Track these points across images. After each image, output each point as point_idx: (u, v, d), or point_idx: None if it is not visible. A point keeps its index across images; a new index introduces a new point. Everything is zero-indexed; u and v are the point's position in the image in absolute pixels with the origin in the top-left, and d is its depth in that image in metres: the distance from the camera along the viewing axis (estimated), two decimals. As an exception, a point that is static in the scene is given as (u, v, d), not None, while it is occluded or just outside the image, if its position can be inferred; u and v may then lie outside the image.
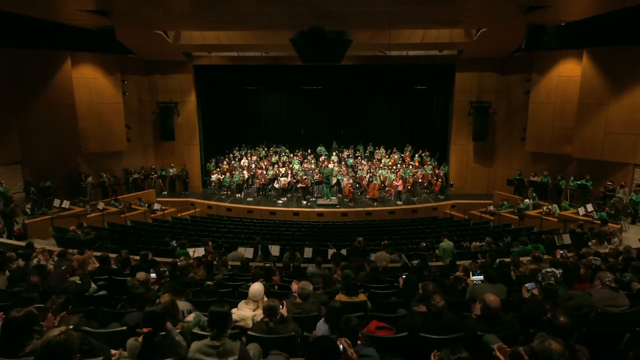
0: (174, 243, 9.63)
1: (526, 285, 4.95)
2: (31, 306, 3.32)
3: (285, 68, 17.54)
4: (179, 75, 17.27)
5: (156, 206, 15.38)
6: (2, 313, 3.44)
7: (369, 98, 20.77)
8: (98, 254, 7.49)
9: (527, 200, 14.12)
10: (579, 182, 13.96)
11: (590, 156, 13.78)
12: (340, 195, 16.35)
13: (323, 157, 18.58)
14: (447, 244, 9.03)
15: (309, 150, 19.36)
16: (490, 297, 3.72)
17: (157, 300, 3.89)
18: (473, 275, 5.52)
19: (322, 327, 3.73)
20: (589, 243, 8.81)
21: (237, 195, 16.60)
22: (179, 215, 15.35)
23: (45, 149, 13.57)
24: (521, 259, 7.23)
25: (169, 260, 7.80)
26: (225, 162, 18.04)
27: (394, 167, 17.02)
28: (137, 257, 7.45)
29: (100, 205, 13.66)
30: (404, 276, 5.83)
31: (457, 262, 7.08)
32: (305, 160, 18.35)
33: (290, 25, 11.58)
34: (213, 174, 17.19)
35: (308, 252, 8.93)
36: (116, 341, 3.46)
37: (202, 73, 17.60)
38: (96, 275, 6.26)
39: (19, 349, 2.78)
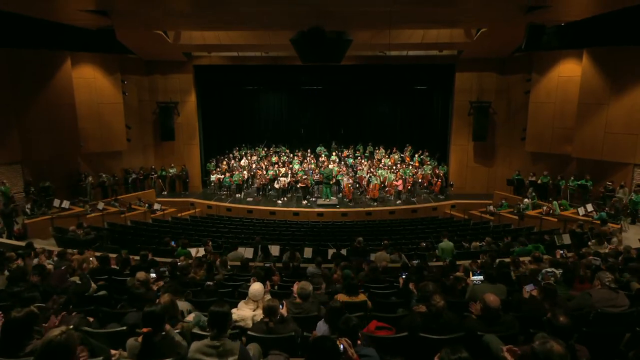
0: (173, 243, 9.63)
1: (525, 287, 4.95)
2: (32, 306, 3.33)
3: (285, 68, 17.54)
4: (179, 75, 17.27)
5: (156, 206, 15.39)
6: (1, 314, 3.44)
7: (369, 98, 20.77)
8: (98, 254, 7.49)
9: (526, 200, 14.13)
10: (579, 182, 13.96)
11: (590, 156, 13.78)
12: (340, 195, 16.35)
13: (323, 156, 18.59)
14: (446, 244, 9.02)
15: (308, 151, 19.36)
16: (490, 297, 3.72)
17: (157, 300, 3.89)
18: (473, 275, 5.52)
19: (322, 327, 3.73)
20: (589, 243, 8.81)
21: (237, 195, 16.60)
22: (179, 215, 15.35)
23: (45, 149, 13.57)
24: (521, 259, 7.23)
25: (169, 260, 7.80)
26: (224, 162, 18.05)
27: (394, 167, 17.02)
28: (137, 257, 7.45)
29: (100, 205, 13.66)
30: (404, 276, 5.83)
31: (457, 262, 7.07)
32: (305, 160, 18.35)
33: (290, 25, 11.58)
34: (213, 174, 17.19)
35: (308, 252, 8.92)
36: (116, 341, 3.46)
37: (202, 73, 17.60)
38: (96, 275, 6.26)
39: (19, 349, 2.78)
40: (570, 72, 14.28)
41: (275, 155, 19.23)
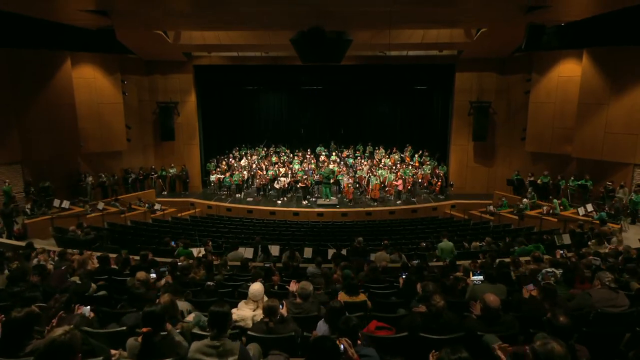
0: (173, 243, 9.63)
1: (526, 286, 4.95)
2: (33, 305, 3.33)
3: (285, 68, 17.55)
4: (179, 75, 17.27)
5: (156, 206, 15.39)
6: (2, 315, 3.44)
7: (369, 98, 20.76)
8: (98, 254, 7.49)
9: (525, 200, 14.14)
10: (579, 182, 13.97)
11: (590, 156, 13.78)
12: (340, 195, 16.35)
13: (323, 156, 18.59)
14: (446, 244, 9.01)
15: (308, 151, 19.36)
16: (490, 297, 3.72)
17: (157, 300, 3.89)
18: (473, 275, 5.52)
19: (322, 327, 3.74)
20: (589, 243, 8.81)
21: (237, 195, 16.60)
22: (179, 215, 15.35)
23: (45, 149, 13.57)
24: (521, 259, 7.23)
25: (169, 260, 7.80)
26: (224, 162, 18.05)
27: (394, 167, 17.02)
28: (137, 257, 7.45)
29: (100, 205, 13.66)
30: (404, 276, 5.83)
31: (457, 262, 7.07)
32: (305, 160, 18.35)
33: (290, 25, 11.58)
34: (213, 174, 17.19)
35: (308, 252, 8.93)
36: (116, 341, 3.46)
37: (202, 73, 17.60)
38: (96, 275, 6.26)
39: (20, 349, 2.78)
40: (570, 72, 14.28)
41: (275, 155, 19.24)
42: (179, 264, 6.67)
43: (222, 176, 16.81)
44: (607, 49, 12.87)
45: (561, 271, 5.37)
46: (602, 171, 13.66)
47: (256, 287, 4.35)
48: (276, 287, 5.98)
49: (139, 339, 3.13)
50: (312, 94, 20.65)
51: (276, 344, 3.53)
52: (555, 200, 13.34)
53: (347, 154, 19.28)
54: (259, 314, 4.05)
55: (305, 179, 15.95)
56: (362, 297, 4.88)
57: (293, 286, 4.93)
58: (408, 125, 20.73)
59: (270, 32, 14.07)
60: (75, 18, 10.39)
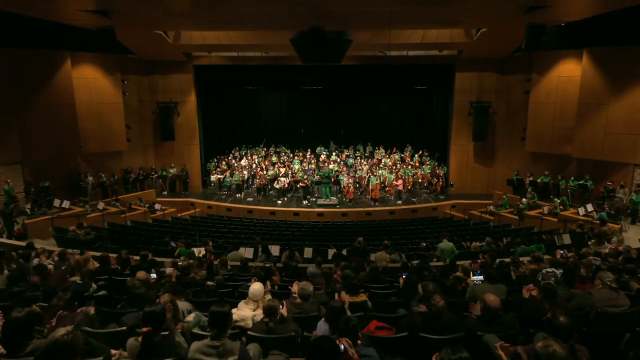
0: (173, 243, 9.63)
1: (525, 287, 4.95)
2: (34, 305, 3.33)
3: (285, 68, 17.55)
4: (179, 75, 17.28)
5: (156, 206, 15.39)
6: (1, 313, 3.45)
7: (369, 98, 20.77)
8: (98, 254, 7.49)
9: (524, 199, 14.16)
10: (579, 182, 13.97)
11: (590, 156, 13.78)
12: (340, 195, 16.36)
13: (323, 156, 18.59)
14: (445, 244, 9.01)
15: (308, 151, 19.37)
16: (490, 297, 3.72)
17: (157, 300, 3.89)
18: (473, 275, 5.52)
19: (322, 327, 3.74)
20: (589, 243, 8.81)
21: (237, 195, 16.60)
22: (179, 215, 15.35)
23: (45, 149, 13.57)
24: (521, 259, 7.24)
25: (169, 260, 7.80)
26: (224, 162, 18.05)
27: (394, 167, 17.02)
28: (137, 257, 7.45)
29: (100, 205, 13.66)
30: (404, 276, 5.83)
31: (457, 262, 7.07)
32: (305, 160, 18.35)
33: (290, 25, 11.58)
34: (213, 174, 17.20)
35: (308, 252, 8.93)
36: (116, 341, 3.46)
37: (202, 73, 17.60)
38: (96, 275, 6.26)
39: (20, 349, 2.78)
40: (570, 72, 14.28)
41: (275, 156, 19.24)
42: (179, 263, 6.66)
43: (222, 176, 16.81)
44: (607, 49, 12.87)
45: (561, 271, 5.38)
46: (602, 171, 13.66)
47: (256, 287, 4.35)
48: (276, 287, 5.99)
49: (139, 339, 3.13)
50: (312, 94, 20.66)
51: (276, 344, 3.53)
52: (556, 200, 13.35)
53: (347, 154, 19.29)
54: (259, 314, 4.05)
55: (306, 179, 15.96)
56: (362, 297, 4.88)
57: (295, 287, 4.93)
58: (408, 125, 20.74)
59: (270, 32, 14.07)
60: (75, 18, 10.39)
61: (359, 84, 19.67)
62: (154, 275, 5.77)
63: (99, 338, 3.46)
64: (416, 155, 18.50)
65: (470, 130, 17.10)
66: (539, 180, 15.00)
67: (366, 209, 15.31)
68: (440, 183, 16.58)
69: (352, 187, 15.98)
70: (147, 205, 15.27)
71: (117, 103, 16.04)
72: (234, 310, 4.05)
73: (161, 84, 17.32)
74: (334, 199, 15.98)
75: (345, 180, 16.10)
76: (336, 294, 4.87)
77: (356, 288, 4.90)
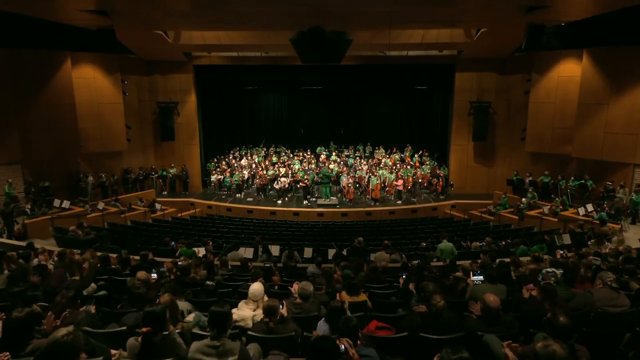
0: (173, 244, 9.63)
1: (525, 287, 4.95)
2: (35, 305, 3.33)
3: (285, 68, 17.55)
4: (179, 75, 17.28)
5: (157, 206, 15.39)
6: (2, 314, 3.45)
7: (369, 98, 20.77)
8: (98, 254, 7.49)
9: (524, 199, 14.16)
10: (579, 182, 13.97)
11: (590, 156, 13.78)
12: (340, 195, 16.35)
13: (323, 156, 18.59)
14: (445, 245, 9.00)
15: (308, 151, 19.37)
16: (490, 297, 3.72)
17: (157, 300, 3.89)
18: (473, 275, 5.52)
19: (322, 327, 3.73)
20: (588, 243, 8.82)
21: (237, 195, 16.61)
22: (179, 215, 15.35)
23: (45, 149, 13.57)
24: (521, 259, 7.24)
25: (169, 260, 7.79)
26: (224, 163, 18.05)
27: (394, 167, 17.03)
28: (137, 257, 7.45)
29: (100, 206, 13.67)
30: (404, 276, 5.83)
31: (457, 262, 7.07)
32: (305, 160, 18.35)
33: (290, 25, 11.58)
34: (213, 174, 17.20)
35: (308, 252, 8.93)
36: (116, 341, 3.46)
37: (202, 73, 17.60)
38: (96, 275, 6.25)
39: (20, 349, 2.78)
40: (570, 72, 14.28)
41: (275, 156, 19.24)
42: (179, 263, 6.66)
43: (222, 176, 16.81)
44: (607, 49, 12.87)
45: (561, 271, 5.37)
46: (602, 171, 13.66)
47: (256, 287, 4.35)
48: (276, 287, 5.99)
49: (139, 339, 3.13)
50: (312, 94, 20.66)
51: (276, 344, 3.52)
52: (557, 199, 13.36)
53: (347, 154, 19.29)
54: (259, 314, 4.05)
55: (306, 179, 15.96)
56: (362, 297, 4.88)
57: (295, 287, 4.93)
58: (408, 125, 20.73)
59: (270, 32, 14.07)
60: (75, 18, 10.39)
61: (359, 84, 19.67)
62: (154, 276, 5.77)
63: (99, 338, 3.46)
64: (416, 155, 18.50)
65: (470, 130, 17.10)
66: (539, 180, 15.01)
67: (366, 209, 15.31)
68: (441, 183, 16.58)
69: (352, 187, 15.98)
70: (147, 204, 15.24)
71: (117, 103, 16.04)
72: (234, 310, 4.05)
73: (161, 84, 17.32)
74: (334, 199, 15.98)
75: (345, 180, 16.10)
76: (337, 294, 4.87)
77: (356, 288, 4.90)
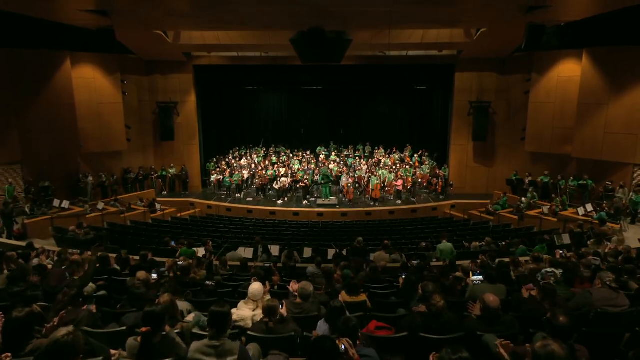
0: (173, 244, 9.62)
1: (525, 287, 4.95)
2: (35, 304, 3.33)
3: (285, 68, 17.55)
4: (179, 75, 17.28)
5: (156, 206, 15.38)
6: (1, 313, 3.45)
7: (369, 98, 20.77)
8: (99, 253, 7.48)
9: (524, 199, 14.15)
10: (579, 182, 13.97)
11: (590, 156, 13.78)
12: (340, 195, 16.36)
13: (323, 156, 18.59)
14: (445, 245, 8.98)
15: (308, 151, 19.36)
16: (490, 297, 3.72)
17: (157, 300, 3.89)
18: (473, 275, 5.52)
19: (322, 327, 3.74)
20: (588, 243, 8.82)
21: (237, 195, 16.60)
22: (179, 215, 15.35)
23: (45, 149, 13.57)
24: (521, 259, 7.24)
25: (169, 260, 7.78)
26: (224, 163, 18.06)
27: (394, 167, 17.02)
28: (137, 257, 7.45)
29: (100, 206, 13.67)
30: (403, 276, 5.83)
31: (457, 262, 7.07)
32: (304, 160, 18.35)
33: (290, 25, 11.58)
34: (213, 174, 17.20)
35: (308, 252, 8.93)
36: (116, 341, 3.46)
37: (202, 73, 17.60)
38: (96, 275, 6.25)
39: (20, 349, 2.78)
40: (570, 72, 14.28)
41: (275, 156, 19.24)
42: (179, 263, 6.66)
43: (222, 176, 16.81)
44: (607, 49, 12.87)
45: (561, 271, 5.38)
46: (602, 171, 13.66)
47: (256, 287, 4.35)
48: (276, 287, 5.99)
49: (139, 339, 3.13)
50: (312, 94, 20.66)
51: (276, 344, 3.53)
52: (557, 199, 13.36)
53: (347, 153, 19.28)
54: (259, 314, 4.05)
55: (306, 179, 15.96)
56: (362, 297, 4.88)
57: (293, 286, 4.93)
58: (408, 125, 20.73)
59: (270, 32, 14.07)
60: (75, 18, 10.39)
61: (359, 84, 19.67)
62: (154, 276, 5.77)
63: (99, 338, 3.46)
64: (416, 155, 18.50)
65: (470, 130, 17.10)
66: (538, 180, 15.01)
67: (366, 209, 15.31)
68: (441, 183, 16.58)
69: (351, 187, 15.98)
70: (148, 203, 15.24)
71: (117, 103, 16.04)
72: (233, 310, 4.05)
73: (161, 84, 17.32)
74: (333, 199, 15.98)
75: (344, 180, 16.10)
76: (340, 295, 4.87)
77: (356, 288, 4.90)
